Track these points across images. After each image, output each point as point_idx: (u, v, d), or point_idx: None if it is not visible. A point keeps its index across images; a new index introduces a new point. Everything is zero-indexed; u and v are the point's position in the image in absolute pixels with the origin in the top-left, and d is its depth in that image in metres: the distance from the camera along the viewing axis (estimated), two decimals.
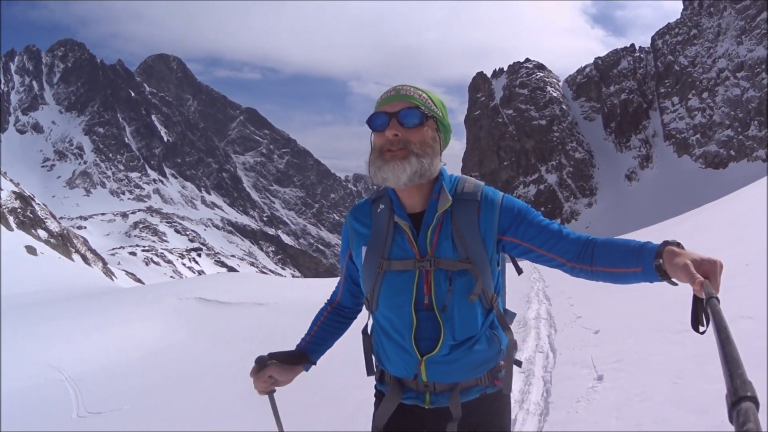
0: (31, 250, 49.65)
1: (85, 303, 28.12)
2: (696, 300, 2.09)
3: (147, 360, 16.76)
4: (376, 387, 3.03)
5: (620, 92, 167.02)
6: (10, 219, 54.87)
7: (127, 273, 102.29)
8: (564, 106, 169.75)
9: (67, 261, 55.70)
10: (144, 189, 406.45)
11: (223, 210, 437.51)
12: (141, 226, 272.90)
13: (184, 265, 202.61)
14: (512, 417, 6.23)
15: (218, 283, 30.51)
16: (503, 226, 2.67)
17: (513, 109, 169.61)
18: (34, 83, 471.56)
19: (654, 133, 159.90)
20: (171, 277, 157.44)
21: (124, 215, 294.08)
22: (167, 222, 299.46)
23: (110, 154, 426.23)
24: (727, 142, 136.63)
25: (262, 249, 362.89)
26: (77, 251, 64.40)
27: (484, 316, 2.75)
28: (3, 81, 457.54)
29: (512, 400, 6.74)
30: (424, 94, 2.72)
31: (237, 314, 21.29)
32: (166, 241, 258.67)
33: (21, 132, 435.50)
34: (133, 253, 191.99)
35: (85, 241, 79.08)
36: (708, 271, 2.01)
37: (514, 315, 3.12)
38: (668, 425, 4.93)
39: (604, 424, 5.45)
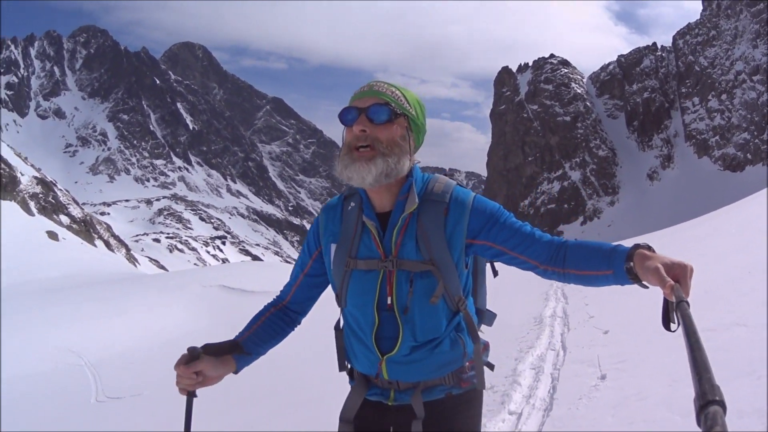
0: (52, 235, 49.87)
1: (106, 289, 28.38)
2: (667, 302, 2.08)
3: (168, 346, 16.90)
4: (349, 383, 3.07)
5: (643, 91, 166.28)
6: (31, 204, 55.07)
7: (151, 260, 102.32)
8: (588, 103, 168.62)
9: (89, 247, 55.96)
10: (169, 176, 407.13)
11: (248, 199, 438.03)
12: (165, 213, 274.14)
13: (208, 252, 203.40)
14: (519, 411, 6.59)
15: (242, 271, 30.80)
16: (474, 229, 2.68)
17: (538, 105, 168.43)
18: (56, 69, 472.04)
19: (675, 133, 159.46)
20: (195, 264, 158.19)
21: (149, 202, 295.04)
22: (192, 209, 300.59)
23: (135, 141, 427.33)
24: (744, 145, 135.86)
25: (286, 238, 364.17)
26: (100, 237, 64.56)
27: (448, 318, 2.77)
28: (23, 66, 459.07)
29: (520, 395, 7.11)
30: (397, 91, 2.73)
31: (261, 303, 21.25)
32: (190, 228, 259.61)
33: (42, 117, 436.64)
34: (157, 240, 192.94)
35: (109, 228, 79.27)
36: (678, 274, 2.02)
37: (493, 315, 3.22)
38: (658, 425, 5.12)
39: (600, 421, 5.65)
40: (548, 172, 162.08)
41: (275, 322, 3.07)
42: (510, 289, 16.62)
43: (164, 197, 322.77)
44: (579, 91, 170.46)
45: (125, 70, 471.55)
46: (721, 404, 1.21)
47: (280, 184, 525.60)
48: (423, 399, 2.76)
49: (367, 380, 2.89)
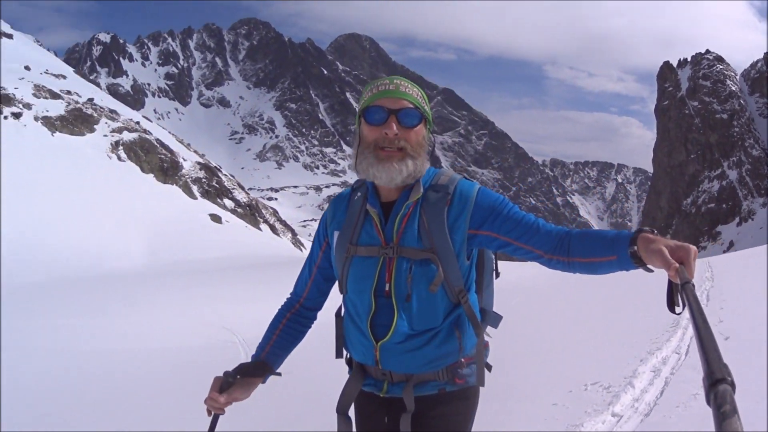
0: (215, 218, 50.93)
1: (268, 270, 28.56)
2: (671, 285, 2.17)
3: (326, 326, 16.75)
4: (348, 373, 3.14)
5: None
6: (194, 188, 56.47)
7: None
8: (742, 101, 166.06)
9: (253, 230, 56.88)
10: (339, 164, 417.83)
11: None
12: None
13: None
14: (622, 414, 6.88)
15: None
16: (477, 221, 2.77)
17: (698, 101, 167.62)
18: (218, 60, 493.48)
19: None
20: None
21: (318, 189, 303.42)
22: None
23: (303, 129, 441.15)
24: None
25: None
26: (265, 221, 65.47)
27: (447, 309, 2.84)
28: (182, 57, 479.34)
29: (630, 397, 7.41)
30: (419, 93, 2.84)
31: None
32: None
33: (206, 106, 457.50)
34: None
35: (275, 212, 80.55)
36: (683, 257, 2.05)
37: (499, 318, 3.25)
38: None
39: None
40: (708, 171, 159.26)
41: (292, 327, 3.26)
42: (656, 291, 16.44)
43: (334, 184, 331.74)
44: (733, 88, 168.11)
45: (290, 60, 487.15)
46: (731, 383, 1.21)
47: None
48: (415, 393, 2.86)
49: (363, 370, 3.03)
